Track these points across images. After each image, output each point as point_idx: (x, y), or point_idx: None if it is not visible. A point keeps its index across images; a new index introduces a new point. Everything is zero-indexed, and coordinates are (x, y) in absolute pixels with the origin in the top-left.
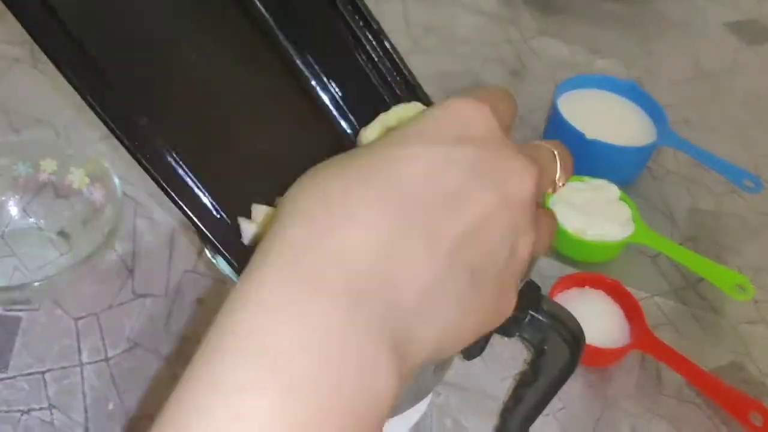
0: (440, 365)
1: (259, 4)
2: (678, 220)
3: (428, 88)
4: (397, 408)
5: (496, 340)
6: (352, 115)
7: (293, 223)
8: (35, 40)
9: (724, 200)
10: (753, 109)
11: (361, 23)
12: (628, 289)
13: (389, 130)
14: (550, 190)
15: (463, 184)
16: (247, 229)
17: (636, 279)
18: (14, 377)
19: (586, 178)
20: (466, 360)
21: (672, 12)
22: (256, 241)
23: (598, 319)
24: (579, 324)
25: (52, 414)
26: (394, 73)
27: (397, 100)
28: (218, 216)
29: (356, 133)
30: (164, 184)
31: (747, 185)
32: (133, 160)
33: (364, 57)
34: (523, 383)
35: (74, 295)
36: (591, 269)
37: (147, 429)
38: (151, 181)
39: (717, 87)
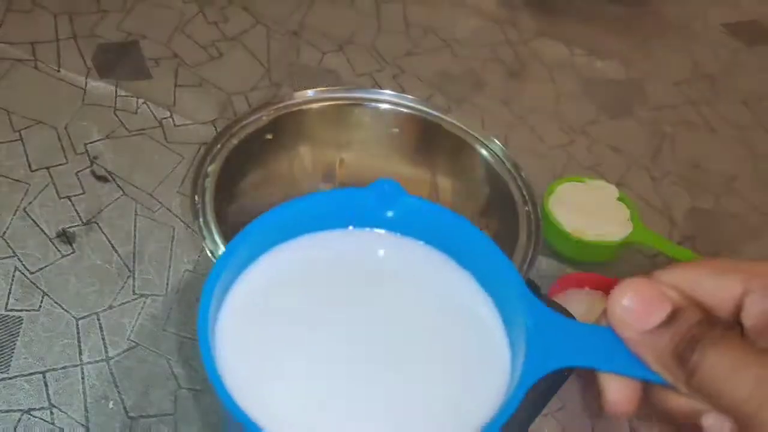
0: None
1: None
2: (677, 220)
3: (428, 89)
4: None
5: None
6: None
7: None
8: None
9: (723, 200)
10: (753, 109)
11: None
12: None
13: None
14: None
15: None
16: None
17: None
18: (15, 377)
19: (586, 179)
20: None
21: (671, 13)
22: None
23: None
24: None
25: (52, 414)
26: None
27: None
28: None
29: None
30: None
31: None
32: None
33: None
34: None
35: (74, 295)
36: (590, 269)
37: (147, 428)
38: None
39: (717, 87)
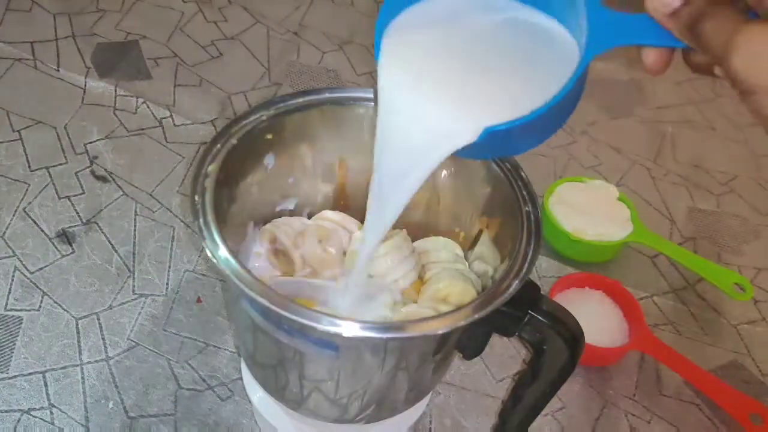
0: (440, 365)
1: None
2: (677, 220)
3: None
4: (396, 408)
5: (496, 340)
6: None
7: None
8: None
9: (723, 200)
10: None
11: None
12: (628, 289)
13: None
14: None
15: None
16: None
17: (635, 279)
18: (15, 377)
19: (586, 179)
20: (466, 360)
21: None
22: None
23: (598, 319)
24: (578, 324)
25: (52, 413)
26: None
27: None
28: None
29: None
30: None
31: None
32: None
33: None
34: (523, 383)
35: (74, 295)
36: (591, 269)
37: (147, 428)
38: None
39: (717, 87)
